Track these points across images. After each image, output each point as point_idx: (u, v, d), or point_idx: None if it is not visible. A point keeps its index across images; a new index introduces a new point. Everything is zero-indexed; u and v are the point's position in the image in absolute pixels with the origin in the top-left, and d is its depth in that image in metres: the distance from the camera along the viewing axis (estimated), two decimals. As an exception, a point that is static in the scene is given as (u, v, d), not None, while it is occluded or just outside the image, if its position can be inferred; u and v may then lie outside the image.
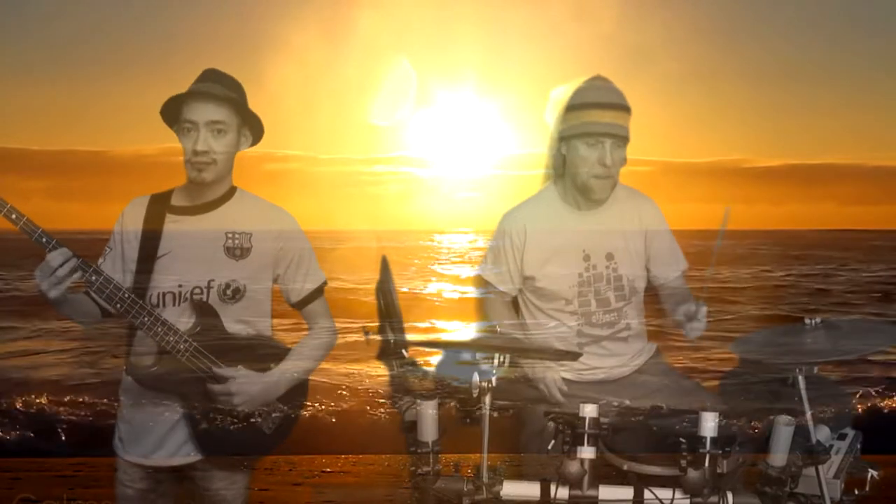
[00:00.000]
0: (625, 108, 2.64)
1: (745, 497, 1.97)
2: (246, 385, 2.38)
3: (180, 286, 2.39)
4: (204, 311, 2.38)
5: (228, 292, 2.41)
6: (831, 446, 2.16)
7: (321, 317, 2.57)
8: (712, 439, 1.91)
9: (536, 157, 2.88)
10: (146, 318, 2.31)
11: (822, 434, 2.12)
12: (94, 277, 2.25)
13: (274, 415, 2.45)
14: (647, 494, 1.96)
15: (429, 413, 2.04)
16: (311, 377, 2.54)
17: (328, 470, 5.31)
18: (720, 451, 1.91)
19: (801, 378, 2.04)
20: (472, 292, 2.88)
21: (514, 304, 2.83)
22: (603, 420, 1.99)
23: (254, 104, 2.46)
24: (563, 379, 2.64)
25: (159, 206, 2.46)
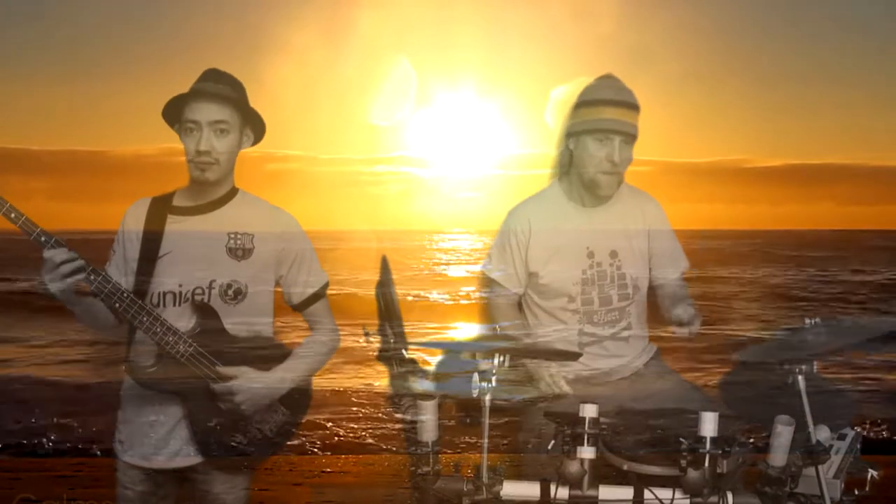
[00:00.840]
0: (634, 107, 2.65)
1: (745, 497, 1.97)
2: (248, 385, 2.38)
3: (181, 286, 2.39)
4: (205, 311, 2.38)
5: (230, 293, 2.40)
6: (831, 446, 2.16)
7: (323, 318, 2.57)
8: (712, 439, 1.91)
9: (536, 156, 2.88)
10: (145, 318, 2.30)
11: (822, 434, 2.12)
12: (92, 276, 2.25)
13: (276, 416, 2.45)
14: (647, 494, 1.96)
15: (429, 413, 2.04)
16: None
17: (328, 470, 5.32)
18: (720, 451, 1.91)
19: (801, 378, 2.04)
20: (473, 293, 2.87)
21: (518, 304, 2.83)
22: (603, 420, 1.99)
23: (254, 105, 2.46)
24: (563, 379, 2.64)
25: (161, 206, 2.46)
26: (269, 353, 2.45)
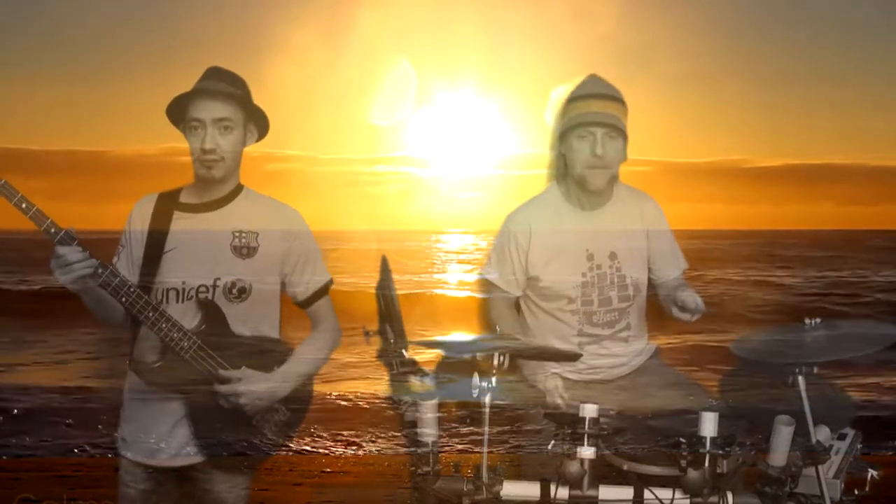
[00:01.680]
0: (613, 98, 2.64)
1: (745, 497, 1.97)
2: (252, 385, 2.38)
3: (184, 283, 2.38)
4: (209, 309, 2.38)
5: (234, 291, 2.40)
6: (831, 446, 2.16)
7: (326, 316, 2.57)
8: (712, 439, 1.91)
9: (537, 156, 2.88)
10: (150, 314, 2.30)
11: (822, 434, 2.12)
12: (100, 270, 2.25)
13: (278, 416, 2.45)
14: (647, 494, 1.96)
15: (429, 413, 2.04)
16: None
17: (328, 470, 5.32)
18: (720, 451, 1.91)
19: (801, 378, 2.04)
20: (473, 293, 2.87)
21: (517, 305, 2.83)
22: (602, 420, 1.99)
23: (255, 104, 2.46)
24: (564, 379, 2.63)
25: (168, 203, 2.46)
26: (272, 352, 2.45)
